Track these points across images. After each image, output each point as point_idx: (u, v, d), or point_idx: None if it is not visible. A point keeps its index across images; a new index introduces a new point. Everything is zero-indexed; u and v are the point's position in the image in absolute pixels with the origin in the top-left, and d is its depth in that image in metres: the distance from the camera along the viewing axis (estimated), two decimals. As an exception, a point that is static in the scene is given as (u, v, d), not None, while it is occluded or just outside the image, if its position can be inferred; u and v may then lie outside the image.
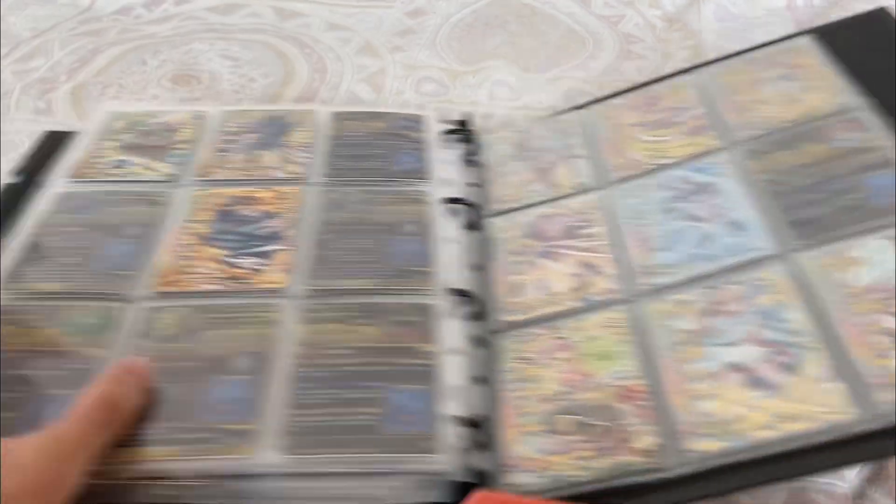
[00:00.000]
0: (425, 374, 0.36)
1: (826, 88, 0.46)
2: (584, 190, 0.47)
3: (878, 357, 0.32)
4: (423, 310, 0.39)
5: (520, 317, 0.40)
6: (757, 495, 0.36)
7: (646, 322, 0.38)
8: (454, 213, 0.46)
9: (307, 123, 0.52)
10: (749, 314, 0.36)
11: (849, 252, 0.37)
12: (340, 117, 0.53)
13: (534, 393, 0.36)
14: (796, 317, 0.35)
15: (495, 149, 0.52)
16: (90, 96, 0.63)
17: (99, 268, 0.41)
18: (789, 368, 0.33)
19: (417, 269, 0.41)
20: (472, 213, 0.47)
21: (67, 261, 0.42)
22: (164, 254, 0.42)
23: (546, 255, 0.43)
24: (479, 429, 0.35)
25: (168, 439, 0.33)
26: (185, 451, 0.32)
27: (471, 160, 0.51)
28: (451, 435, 0.33)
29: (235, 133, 0.51)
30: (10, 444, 0.28)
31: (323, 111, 0.53)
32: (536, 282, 0.42)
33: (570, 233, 0.44)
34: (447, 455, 0.33)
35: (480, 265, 0.44)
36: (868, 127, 0.42)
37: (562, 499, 0.32)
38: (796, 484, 0.37)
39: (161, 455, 0.32)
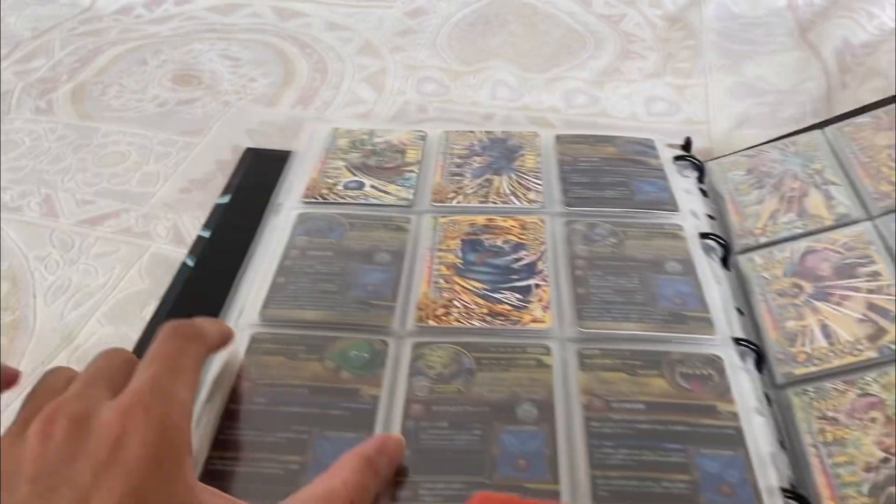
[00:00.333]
0: (733, 438, 0.33)
1: None
2: (848, 221, 0.42)
3: None
4: (711, 361, 0.36)
5: (811, 369, 0.36)
6: None
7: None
8: (707, 249, 0.43)
9: (532, 146, 0.51)
10: None
11: None
12: (566, 140, 0.52)
13: (852, 459, 0.32)
14: None
15: (727, 176, 0.48)
16: (91, 96, 0.63)
17: (357, 296, 0.40)
18: None
19: (693, 313, 0.39)
20: (724, 249, 0.43)
21: (324, 287, 0.40)
22: (423, 285, 0.41)
23: (822, 297, 0.39)
24: (804, 503, 0.31)
25: (460, 496, 0.31)
26: None
27: (702, 188, 0.49)
28: None
29: (462, 156, 0.50)
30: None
31: (546, 133, 0.53)
32: (818, 328, 0.37)
33: (848, 271, 0.39)
34: None
35: (743, 308, 0.41)
36: None
37: None
38: None
39: None
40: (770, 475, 0.32)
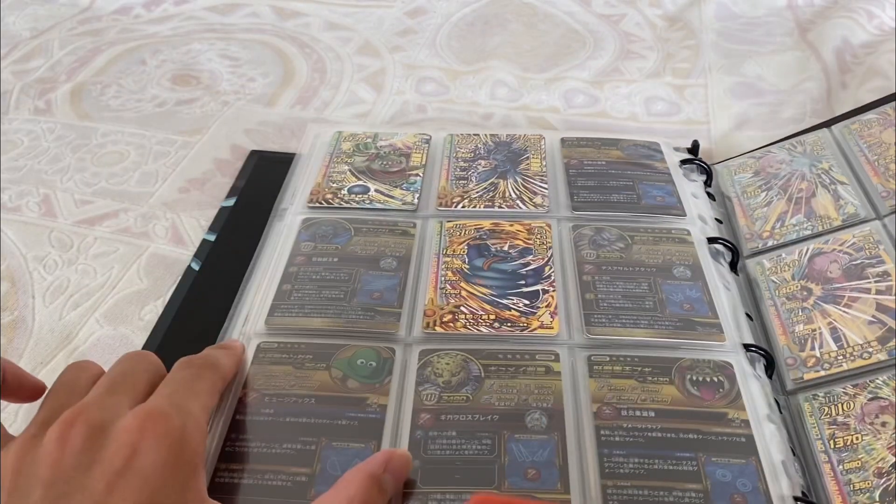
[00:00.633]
0: (744, 446, 0.32)
1: None
2: (857, 221, 0.42)
3: None
4: (722, 368, 0.36)
5: (820, 373, 0.36)
6: None
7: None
8: (715, 253, 0.43)
9: (537, 149, 0.51)
10: None
11: None
12: (571, 143, 0.51)
13: (863, 465, 0.31)
14: None
15: (735, 178, 0.48)
16: (89, 96, 0.63)
17: (363, 303, 0.39)
18: None
19: (702, 319, 0.38)
20: (732, 253, 0.43)
21: (329, 294, 0.40)
22: (430, 291, 0.40)
23: (832, 299, 0.38)
24: None
25: None
26: None
27: (709, 192, 0.49)
28: None
29: (467, 159, 0.50)
30: None
31: (550, 136, 0.52)
32: (827, 331, 0.37)
33: (856, 272, 0.39)
34: None
35: (752, 313, 0.40)
36: None
37: None
38: None
39: None
40: (782, 483, 0.31)
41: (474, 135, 0.53)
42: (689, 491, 0.31)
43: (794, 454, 0.34)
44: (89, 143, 0.57)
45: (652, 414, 0.34)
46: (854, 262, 0.39)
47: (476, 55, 0.68)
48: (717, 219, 0.46)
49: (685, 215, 0.45)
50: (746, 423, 0.34)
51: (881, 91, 0.53)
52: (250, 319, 0.39)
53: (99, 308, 0.44)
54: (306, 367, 0.36)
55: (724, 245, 0.43)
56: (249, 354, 0.37)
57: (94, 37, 0.72)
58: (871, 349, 0.35)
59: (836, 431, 0.33)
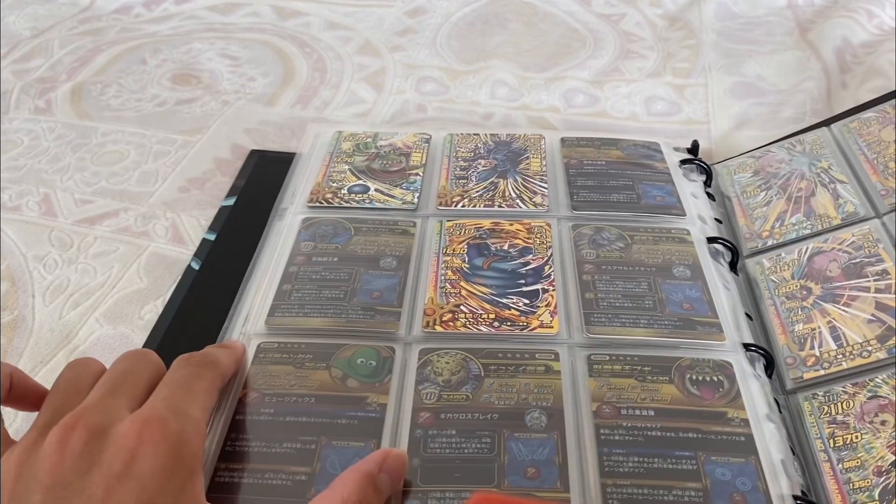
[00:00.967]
0: (744, 445, 0.33)
1: None
2: (856, 220, 0.41)
3: None
4: (721, 367, 0.36)
5: (820, 372, 0.36)
6: None
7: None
8: (715, 253, 0.43)
9: (537, 149, 0.51)
10: None
11: None
12: (571, 143, 0.51)
13: (862, 464, 0.31)
14: None
15: (734, 178, 0.48)
16: (89, 95, 0.63)
17: (363, 302, 0.40)
18: None
19: (702, 319, 0.38)
20: (731, 253, 0.43)
21: (329, 294, 0.40)
22: (429, 290, 0.40)
23: (831, 298, 0.38)
24: None
25: None
26: None
27: (708, 192, 0.49)
28: None
29: (467, 159, 0.50)
30: None
31: (550, 136, 0.52)
32: (826, 330, 0.37)
33: (855, 271, 0.39)
34: None
35: (751, 312, 0.40)
36: None
37: None
38: None
39: None
40: (782, 483, 0.31)
41: (474, 134, 0.53)
42: (689, 490, 0.31)
43: (793, 453, 0.34)
44: (89, 142, 0.57)
45: (651, 413, 0.34)
46: (853, 261, 0.39)
47: (476, 55, 0.68)
48: (716, 219, 0.46)
49: (685, 215, 0.45)
50: (746, 422, 0.34)
51: (881, 90, 0.53)
52: (250, 319, 0.39)
53: (99, 307, 0.44)
54: (306, 367, 0.36)
55: (724, 245, 0.43)
56: (250, 354, 0.37)
57: (95, 36, 0.72)
58: (870, 348, 0.35)
59: (835, 430, 0.33)
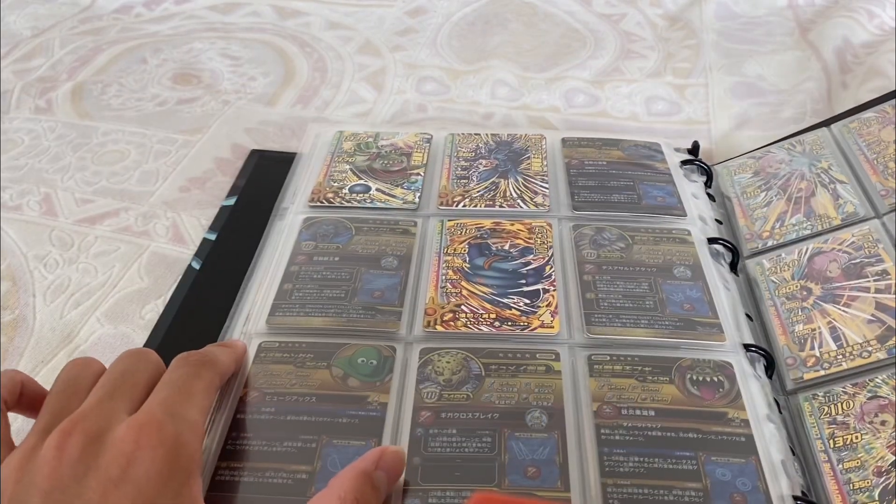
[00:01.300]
0: (744, 445, 0.33)
1: None
2: (856, 220, 0.41)
3: None
4: (722, 368, 0.36)
5: (820, 372, 0.36)
6: None
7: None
8: (715, 254, 0.43)
9: (538, 149, 0.51)
10: None
11: None
12: (572, 143, 0.51)
13: (863, 464, 0.31)
14: None
15: (734, 179, 0.48)
16: (90, 95, 0.63)
17: (364, 302, 0.40)
18: None
19: (702, 319, 0.38)
20: (732, 254, 0.43)
21: (330, 293, 0.40)
22: (430, 290, 0.40)
23: (831, 299, 0.38)
24: None
25: None
26: None
27: (709, 193, 0.49)
28: None
29: (468, 159, 0.50)
30: None
31: (551, 136, 0.52)
32: (827, 331, 0.37)
33: (855, 271, 0.39)
34: None
35: (752, 313, 0.40)
36: None
37: None
38: None
39: None
40: (782, 483, 0.31)
41: (475, 134, 0.53)
42: (689, 490, 0.31)
43: (793, 454, 0.34)
44: (90, 142, 0.57)
45: (652, 413, 0.34)
46: (853, 261, 0.39)
47: (476, 55, 0.68)
48: (717, 220, 0.46)
49: (686, 216, 0.45)
50: (746, 422, 0.34)
51: (882, 91, 0.53)
52: (251, 319, 0.39)
53: (100, 307, 0.44)
54: (307, 366, 0.36)
55: (725, 245, 0.43)
56: (251, 354, 0.37)
57: (95, 36, 0.72)
58: (870, 348, 0.35)
59: (835, 431, 0.33)
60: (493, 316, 0.39)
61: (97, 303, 0.44)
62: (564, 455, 0.32)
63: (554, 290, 0.40)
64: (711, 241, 0.44)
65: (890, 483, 0.30)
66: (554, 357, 0.37)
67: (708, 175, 0.49)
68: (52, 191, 0.53)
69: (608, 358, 0.37)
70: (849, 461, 0.32)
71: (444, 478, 0.32)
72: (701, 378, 0.36)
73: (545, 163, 0.50)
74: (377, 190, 0.47)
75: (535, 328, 0.38)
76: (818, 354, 0.36)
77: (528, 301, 0.40)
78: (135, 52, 0.69)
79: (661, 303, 0.39)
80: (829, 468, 0.32)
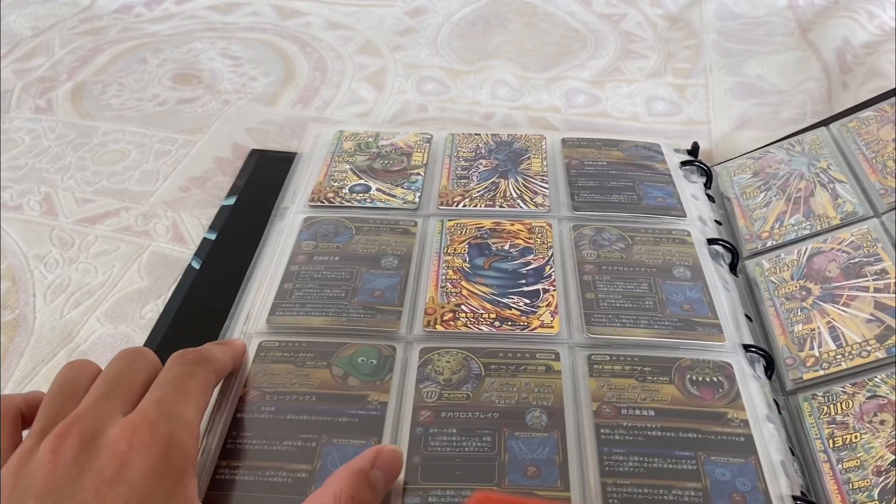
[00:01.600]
0: (743, 445, 0.33)
1: None
2: (855, 219, 0.41)
3: None
4: (721, 368, 0.36)
5: (819, 373, 0.36)
6: None
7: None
8: (715, 254, 0.43)
9: (538, 149, 0.51)
10: None
11: None
12: (572, 144, 0.52)
13: (862, 464, 0.31)
14: None
15: (734, 179, 0.49)
16: (90, 95, 0.63)
17: (364, 302, 0.40)
18: None
19: (702, 320, 0.38)
20: (731, 254, 0.43)
21: (330, 293, 0.40)
22: (430, 290, 0.40)
23: (830, 298, 0.38)
24: None
25: None
26: None
27: (708, 193, 0.49)
28: None
29: (469, 159, 0.50)
30: None
31: (551, 136, 0.52)
32: (826, 331, 0.37)
33: (854, 271, 0.39)
34: None
35: (751, 313, 0.40)
36: None
37: None
38: None
39: None
40: (781, 483, 0.31)
41: (475, 134, 0.53)
42: (689, 490, 0.31)
43: (793, 454, 0.34)
44: (90, 141, 0.57)
45: (652, 413, 0.34)
46: (852, 261, 0.39)
47: (477, 55, 0.68)
48: (716, 220, 0.46)
49: (685, 216, 0.45)
50: (745, 422, 0.34)
51: (882, 91, 0.53)
52: (251, 318, 0.39)
53: (100, 306, 0.44)
54: (307, 366, 0.36)
55: (724, 246, 0.43)
56: (251, 353, 0.37)
57: (95, 36, 0.72)
58: (869, 347, 0.35)
59: (835, 430, 0.33)
60: (493, 316, 0.39)
61: (97, 302, 0.44)
62: (564, 454, 0.32)
63: (554, 290, 0.40)
64: (711, 241, 0.44)
65: (889, 482, 0.31)
66: (554, 357, 0.37)
67: (707, 176, 0.49)
68: (53, 190, 0.53)
69: (608, 358, 0.37)
70: (848, 461, 0.32)
71: (444, 477, 0.32)
72: (700, 378, 0.36)
73: (545, 163, 0.50)
74: (377, 190, 0.47)
75: (534, 328, 0.38)
76: (817, 354, 0.36)
77: (528, 301, 0.40)
78: (135, 52, 0.69)
79: (660, 303, 0.39)
80: (828, 468, 0.32)
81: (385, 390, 0.35)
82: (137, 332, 0.42)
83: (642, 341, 0.38)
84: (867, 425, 0.33)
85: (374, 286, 0.41)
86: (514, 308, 0.39)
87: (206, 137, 0.58)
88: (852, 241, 0.40)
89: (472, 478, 0.32)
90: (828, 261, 0.40)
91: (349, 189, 0.47)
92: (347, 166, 0.49)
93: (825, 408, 0.34)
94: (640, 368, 0.36)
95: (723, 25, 0.71)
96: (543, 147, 0.51)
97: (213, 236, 0.48)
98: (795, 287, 0.40)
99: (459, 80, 0.65)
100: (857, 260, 0.39)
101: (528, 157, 0.50)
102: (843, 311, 0.38)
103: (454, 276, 0.41)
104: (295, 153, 0.53)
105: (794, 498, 0.31)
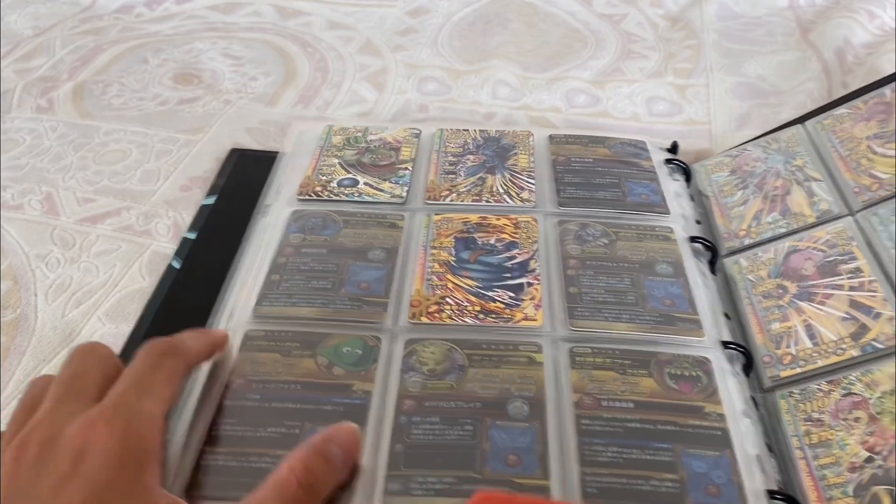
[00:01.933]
0: (719, 439, 0.33)
1: None
2: (830, 217, 0.41)
3: None
4: (700, 363, 0.36)
5: (795, 370, 0.36)
6: None
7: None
8: (696, 252, 0.44)
9: (526, 146, 0.51)
10: None
11: None
12: (559, 140, 0.52)
13: (837, 460, 0.32)
14: None
15: (712, 178, 0.49)
16: (91, 95, 0.63)
17: (351, 293, 0.40)
18: None
19: (682, 315, 0.39)
20: (711, 252, 0.44)
21: (317, 284, 0.40)
22: (416, 282, 0.41)
23: (806, 297, 0.39)
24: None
25: (451, 490, 0.31)
26: None
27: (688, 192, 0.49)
28: None
29: (456, 154, 0.50)
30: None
31: (539, 133, 0.53)
32: (802, 329, 0.37)
33: (830, 269, 0.39)
34: None
35: (730, 311, 0.41)
36: None
37: None
38: None
39: None
40: (756, 477, 0.32)
41: (463, 130, 0.53)
42: (666, 481, 0.32)
43: (770, 450, 0.34)
44: (91, 141, 0.58)
45: (631, 405, 0.35)
46: (828, 259, 0.39)
47: (477, 55, 0.69)
48: (696, 220, 0.47)
49: (669, 213, 0.45)
50: (722, 416, 0.34)
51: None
52: (238, 309, 0.40)
53: (101, 306, 0.44)
54: (293, 355, 0.37)
55: (704, 245, 0.44)
56: (237, 342, 0.38)
57: (96, 35, 0.72)
58: (844, 345, 0.36)
59: (810, 428, 0.34)
60: (477, 308, 0.39)
61: (98, 302, 0.44)
62: (544, 444, 0.33)
63: (538, 284, 0.41)
64: (692, 239, 0.44)
65: (864, 478, 0.31)
66: (536, 349, 0.37)
67: (687, 174, 0.49)
68: (54, 190, 0.53)
69: (589, 351, 0.37)
70: (824, 458, 0.32)
71: (426, 464, 0.32)
72: (679, 372, 0.36)
73: (532, 159, 0.50)
74: (365, 184, 0.48)
75: (518, 321, 0.39)
76: (794, 352, 0.37)
77: (512, 294, 0.40)
78: (136, 52, 0.69)
79: (642, 298, 0.40)
80: (804, 465, 0.33)
81: (369, 380, 0.36)
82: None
83: (623, 335, 0.38)
84: (842, 423, 0.33)
85: (360, 278, 0.41)
86: (499, 301, 0.40)
87: (207, 137, 0.58)
88: (828, 240, 0.40)
89: (454, 465, 0.32)
90: (804, 259, 0.40)
91: (337, 183, 0.48)
92: (336, 160, 0.50)
93: (801, 405, 0.35)
94: (620, 361, 0.37)
95: (723, 25, 0.71)
96: (531, 143, 0.51)
97: (193, 236, 0.48)
98: (772, 285, 0.40)
99: (460, 80, 0.65)
100: (832, 258, 0.39)
101: (516, 153, 0.50)
102: (818, 309, 0.38)
103: (440, 270, 0.42)
104: (276, 152, 0.53)
105: (770, 493, 0.31)
